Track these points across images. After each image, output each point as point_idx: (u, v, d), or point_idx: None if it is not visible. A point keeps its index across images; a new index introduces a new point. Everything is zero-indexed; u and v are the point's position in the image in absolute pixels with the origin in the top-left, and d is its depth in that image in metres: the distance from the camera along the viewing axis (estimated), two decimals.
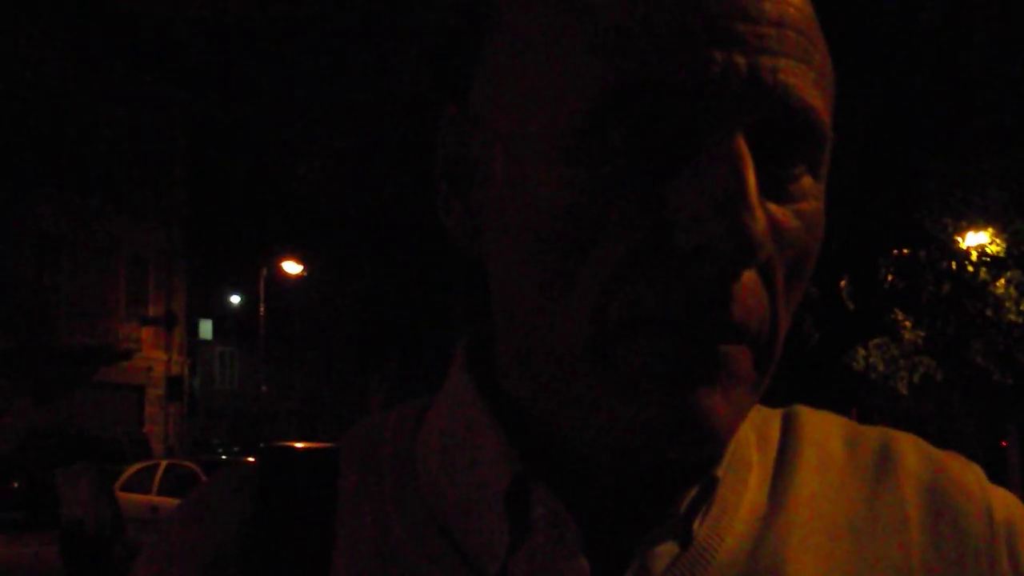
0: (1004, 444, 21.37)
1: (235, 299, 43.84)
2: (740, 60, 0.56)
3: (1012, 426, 20.95)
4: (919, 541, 0.69)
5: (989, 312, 15.71)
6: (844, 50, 13.93)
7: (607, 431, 0.60)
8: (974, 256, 15.83)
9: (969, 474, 0.74)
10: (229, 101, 31.15)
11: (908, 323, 16.41)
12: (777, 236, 0.59)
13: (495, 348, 0.71)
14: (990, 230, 15.50)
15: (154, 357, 30.85)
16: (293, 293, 37.23)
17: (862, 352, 16.44)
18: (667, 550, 0.65)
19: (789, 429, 0.75)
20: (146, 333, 30.62)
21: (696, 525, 0.66)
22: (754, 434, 0.74)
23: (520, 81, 0.62)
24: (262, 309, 29.57)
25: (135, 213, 28.92)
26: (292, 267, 30.70)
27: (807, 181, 0.61)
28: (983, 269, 15.71)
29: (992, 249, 15.65)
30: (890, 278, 16.36)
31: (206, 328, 40.78)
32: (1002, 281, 15.54)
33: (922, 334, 16.49)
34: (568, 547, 0.63)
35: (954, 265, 15.98)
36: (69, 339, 27.27)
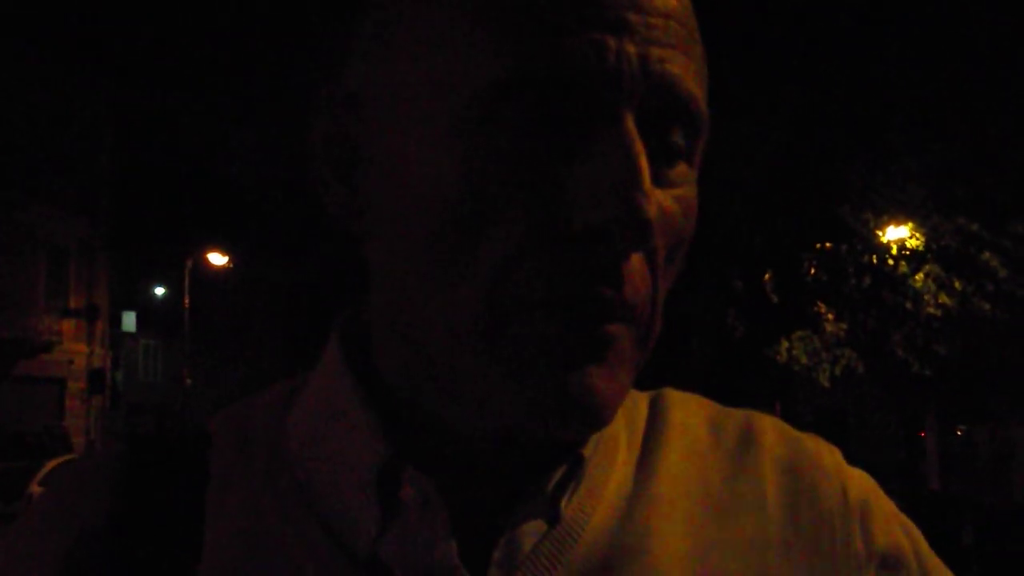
0: (923, 435, 21.77)
1: (159, 291, 43.28)
2: (631, 48, 0.58)
3: (931, 417, 21.35)
4: (777, 517, 0.71)
5: (908, 305, 16.00)
6: (767, 47, 14.10)
7: (498, 412, 0.61)
8: (894, 250, 16.11)
9: (826, 454, 0.77)
10: (154, 91, 30.74)
11: (830, 316, 16.67)
12: (662, 220, 0.60)
13: (371, 329, 0.71)
14: (910, 224, 15.78)
15: (75, 350, 30.31)
16: (218, 284, 36.86)
17: (785, 345, 16.67)
18: (535, 528, 0.66)
19: (656, 411, 0.78)
20: (67, 326, 30.08)
21: (564, 503, 0.67)
22: (623, 416, 0.76)
23: (410, 63, 0.62)
24: (187, 301, 29.21)
25: (56, 204, 28.38)
26: (217, 258, 30.40)
27: (683, 167, 0.63)
28: (903, 263, 15.99)
29: (912, 243, 15.95)
30: (813, 272, 16.60)
31: (129, 320, 40.16)
32: (921, 275, 15.82)
33: (844, 327, 16.76)
34: (437, 527, 0.64)
35: (875, 259, 16.26)
36: None
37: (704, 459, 0.74)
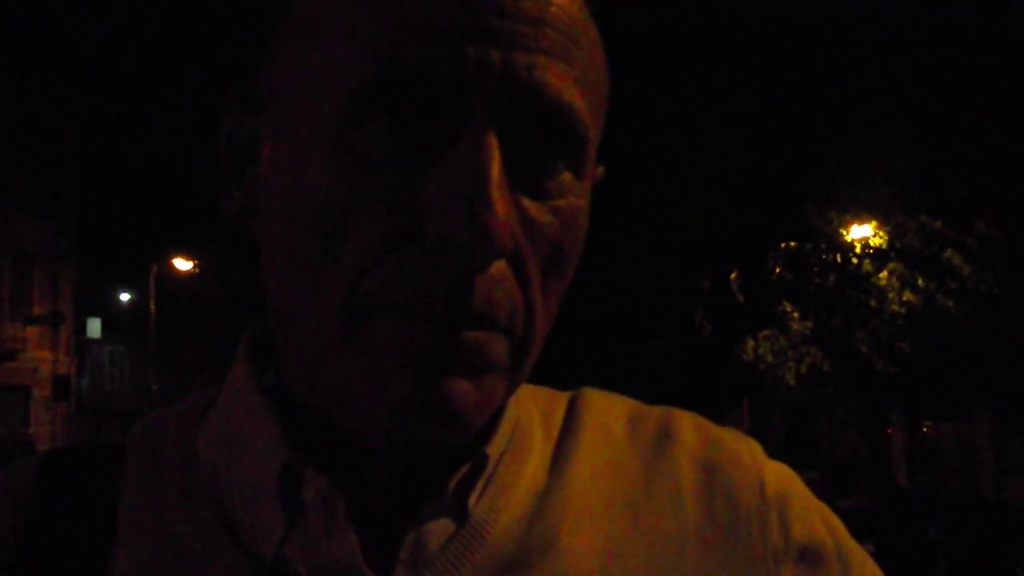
0: (890, 431, 21.93)
1: (125, 296, 42.97)
2: (495, 55, 0.57)
3: (896, 413, 21.51)
4: (693, 512, 0.71)
5: (873, 303, 16.11)
6: (731, 47, 14.17)
7: (359, 413, 0.61)
8: (858, 248, 16.21)
9: (744, 448, 0.77)
10: (119, 96, 30.51)
11: (796, 314, 16.75)
12: (529, 230, 0.60)
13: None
14: (873, 223, 15.88)
15: (40, 357, 30.06)
16: (184, 289, 36.61)
17: (751, 343, 16.74)
18: (442, 527, 0.66)
19: (573, 410, 0.78)
20: (31, 332, 29.82)
21: (472, 502, 0.67)
22: (539, 416, 0.76)
23: (296, 67, 0.63)
24: (152, 306, 29.00)
25: (21, 208, 28.12)
26: (183, 264, 30.18)
27: (566, 178, 0.62)
28: (867, 261, 16.10)
29: (875, 242, 16.05)
30: (778, 270, 16.68)
31: (94, 326, 39.88)
32: (885, 273, 15.93)
33: (809, 325, 16.84)
34: (337, 526, 0.63)
35: (839, 258, 16.35)
36: None
37: (619, 456, 0.74)
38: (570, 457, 0.73)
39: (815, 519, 0.76)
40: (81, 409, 33.82)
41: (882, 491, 8.73)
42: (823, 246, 16.40)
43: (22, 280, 29.48)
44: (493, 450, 0.69)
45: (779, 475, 0.77)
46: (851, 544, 0.78)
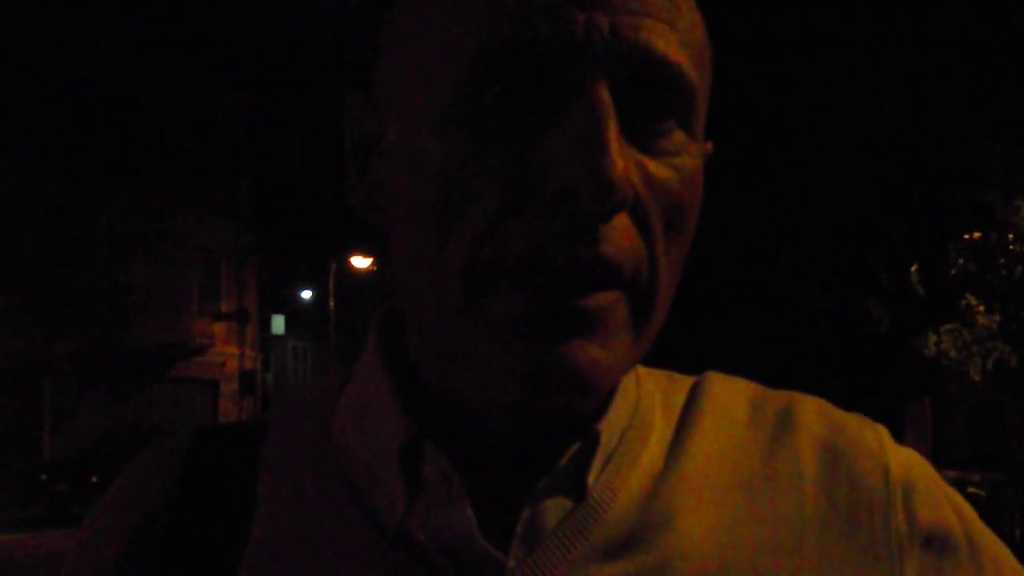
0: None
1: (306, 294, 44.16)
2: (602, 19, 0.59)
3: None
4: (813, 496, 0.71)
5: None
6: (916, 37, 13.73)
7: (484, 383, 0.62)
8: None
9: (869, 434, 0.76)
10: (292, 99, 31.41)
11: (981, 308, 16.15)
12: (648, 183, 0.62)
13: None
14: None
15: (227, 352, 31.19)
16: (362, 286, 37.43)
17: (933, 338, 16.21)
18: (559, 504, 0.67)
19: (695, 394, 0.78)
20: (219, 329, 30.96)
21: (591, 480, 0.68)
22: (660, 398, 0.77)
23: (407, 54, 0.66)
24: (332, 303, 29.76)
25: (205, 210, 29.26)
26: (361, 262, 30.85)
27: (679, 136, 0.63)
28: None
29: None
30: (961, 263, 16.12)
31: (278, 323, 41.14)
32: None
33: (996, 319, 16.22)
34: (456, 501, 0.65)
35: None
36: (143, 336, 27.66)
37: (739, 438, 0.74)
38: (690, 438, 0.73)
39: (943, 504, 0.75)
40: (266, 403, 34.93)
41: None
42: (1010, 236, 15.77)
43: (210, 279, 30.64)
44: (605, 427, 0.69)
45: (905, 460, 0.75)
46: (982, 529, 0.76)
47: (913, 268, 15.99)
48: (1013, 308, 16.09)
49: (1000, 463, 18.21)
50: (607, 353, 0.61)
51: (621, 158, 0.58)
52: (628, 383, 0.74)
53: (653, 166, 0.62)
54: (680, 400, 0.78)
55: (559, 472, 0.67)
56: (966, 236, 16.08)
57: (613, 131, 0.58)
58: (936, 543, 0.72)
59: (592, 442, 0.68)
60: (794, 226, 14.38)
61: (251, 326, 32.72)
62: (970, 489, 13.76)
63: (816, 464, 0.73)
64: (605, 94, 0.59)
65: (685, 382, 0.80)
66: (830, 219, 14.23)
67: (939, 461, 17.50)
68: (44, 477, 22.27)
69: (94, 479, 22.05)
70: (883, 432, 0.77)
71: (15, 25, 23.74)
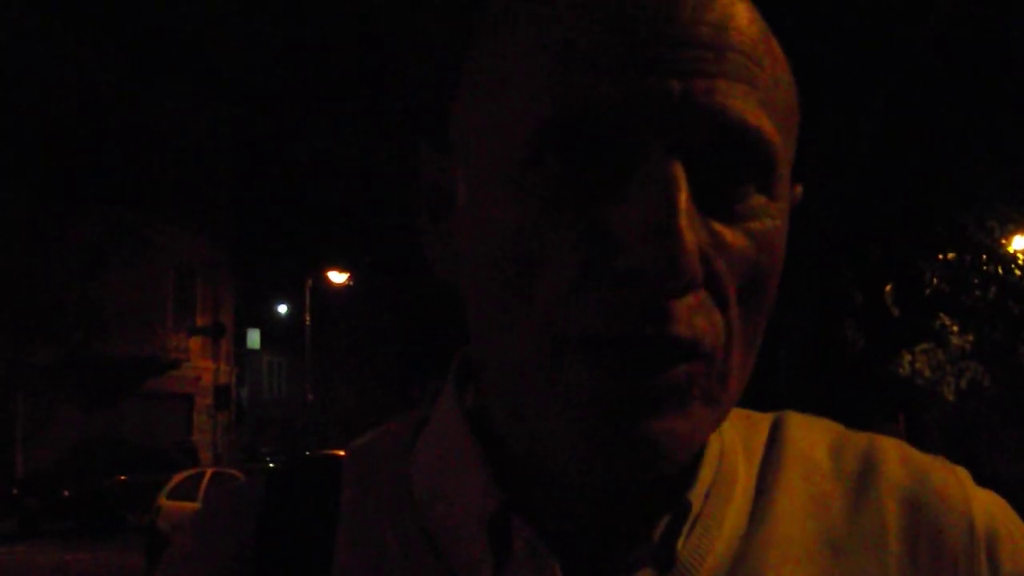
0: None
1: (282, 308, 44.05)
2: (674, 85, 0.57)
3: None
4: (897, 553, 0.69)
5: None
6: (892, 60, 13.85)
7: (561, 454, 0.60)
8: (1021, 259, 15.66)
9: (952, 482, 0.73)
10: (272, 113, 31.39)
11: (955, 328, 16.26)
12: (723, 253, 0.59)
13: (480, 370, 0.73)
14: None
15: (202, 367, 31.08)
16: (339, 302, 37.34)
17: (908, 358, 16.31)
18: (648, 574, 0.65)
19: (775, 438, 0.76)
20: (194, 343, 30.84)
21: (680, 545, 0.66)
22: (741, 444, 0.74)
23: (480, 111, 0.64)
24: (308, 318, 29.69)
25: (182, 224, 29.17)
26: (337, 276, 30.80)
27: (758, 200, 0.61)
28: None
29: None
30: (935, 283, 16.23)
31: (254, 338, 40.93)
32: None
33: (969, 339, 16.33)
34: (546, 574, 0.64)
35: (1000, 269, 15.82)
36: (118, 349, 27.51)
37: (823, 490, 0.72)
38: (772, 493, 0.71)
39: None
40: (241, 417, 34.78)
41: None
42: (983, 257, 15.90)
43: (185, 293, 30.53)
44: (696, 496, 0.67)
45: (989, 509, 0.73)
46: None
47: (888, 288, 16.08)
48: (987, 328, 16.21)
49: (974, 483, 18.26)
50: (685, 423, 0.59)
51: (692, 237, 0.56)
52: (713, 435, 0.71)
53: (729, 234, 0.60)
54: (760, 446, 0.75)
55: (650, 541, 0.66)
56: (940, 257, 16.20)
57: (683, 208, 0.56)
58: None
59: (683, 513, 0.67)
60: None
61: (226, 340, 32.59)
62: None
63: (899, 517, 0.71)
64: (676, 169, 0.57)
65: (763, 423, 0.78)
66: (806, 240, 14.31)
67: None
68: (15, 491, 22.10)
69: (65, 493, 21.89)
70: (965, 476, 0.75)
71: None
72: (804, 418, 0.79)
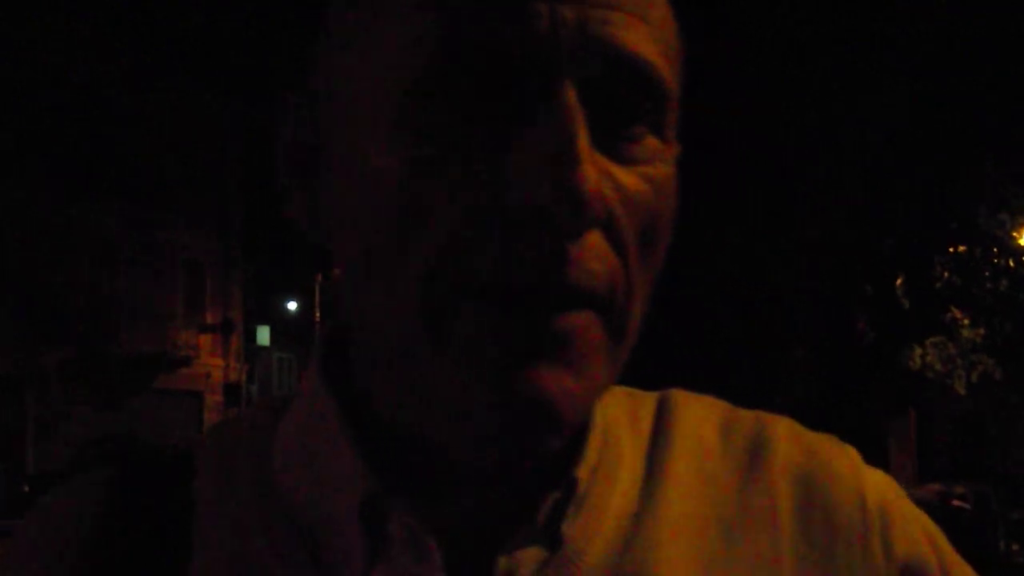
0: None
1: (292, 305, 44.08)
2: (568, 14, 0.54)
3: None
4: (790, 532, 0.67)
5: None
6: (904, 49, 13.79)
7: (450, 415, 0.56)
8: None
9: (843, 459, 0.72)
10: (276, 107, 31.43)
11: (966, 321, 16.21)
12: (621, 197, 0.56)
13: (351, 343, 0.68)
14: None
15: (212, 364, 31.10)
16: None
17: (918, 351, 16.25)
18: (534, 555, 0.62)
19: (663, 416, 0.73)
20: (204, 340, 30.86)
21: (566, 526, 0.63)
22: (627, 422, 0.72)
23: (357, 52, 0.59)
24: (317, 315, 29.70)
25: (191, 221, 29.20)
26: None
27: (652, 142, 0.58)
28: None
29: None
30: (946, 276, 16.17)
31: (263, 334, 40.98)
32: None
33: (980, 332, 16.28)
34: (427, 562, 0.60)
35: (1011, 262, 15.76)
36: (128, 346, 27.56)
37: (713, 469, 0.70)
38: (662, 471, 0.69)
39: (918, 533, 0.71)
40: None
41: None
42: (994, 250, 15.84)
43: (195, 290, 30.56)
44: (584, 471, 0.64)
45: (880, 487, 0.72)
46: (955, 558, 0.72)
47: (898, 281, 16.04)
48: (997, 321, 16.15)
49: (983, 474, 18.27)
50: (581, 382, 0.56)
51: (594, 171, 0.53)
52: (595, 412, 0.68)
53: (625, 177, 0.57)
54: (647, 424, 0.73)
55: (535, 521, 0.63)
56: (951, 249, 16.14)
57: (584, 142, 0.53)
58: (912, 574, 0.69)
59: (569, 491, 0.64)
60: (783, 239, 14.40)
61: (236, 337, 32.63)
62: (955, 502, 13.77)
63: (791, 496, 0.69)
64: (573, 99, 0.54)
65: (648, 401, 0.75)
66: (818, 232, 14.27)
67: (923, 474, 17.54)
68: (26, 488, 22.16)
69: None
70: (855, 455, 0.74)
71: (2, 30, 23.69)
72: (691, 396, 0.76)
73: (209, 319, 31.23)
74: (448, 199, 0.54)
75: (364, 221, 0.58)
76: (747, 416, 0.74)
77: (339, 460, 0.64)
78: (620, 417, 0.72)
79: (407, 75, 0.55)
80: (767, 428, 0.73)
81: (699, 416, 0.74)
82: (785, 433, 0.73)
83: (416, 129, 0.55)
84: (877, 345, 15.66)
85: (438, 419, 0.58)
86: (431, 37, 0.54)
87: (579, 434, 0.65)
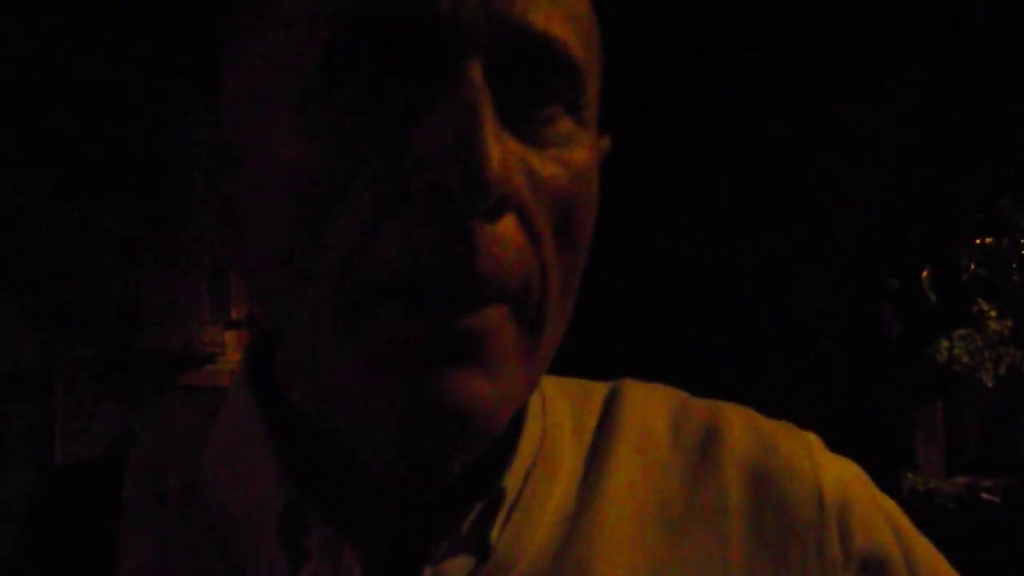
0: None
1: None
2: None
3: None
4: (740, 529, 0.64)
5: None
6: (928, 43, 13.69)
7: (360, 425, 0.53)
8: None
9: (800, 450, 0.69)
10: None
11: (993, 313, 16.10)
12: (533, 181, 0.54)
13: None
14: None
15: (237, 360, 31.17)
16: None
17: (945, 344, 16.15)
18: (461, 564, 0.59)
19: (609, 410, 0.70)
20: (229, 336, 30.92)
21: (494, 536, 0.60)
22: (570, 420, 0.69)
23: (256, 44, 0.57)
24: None
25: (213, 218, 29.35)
26: None
27: (567, 124, 0.56)
28: None
29: None
30: (972, 268, 16.06)
31: None
32: None
33: (1008, 324, 16.16)
34: (346, 572, 0.58)
35: None
36: (154, 343, 27.71)
37: (660, 463, 0.67)
38: (604, 467, 0.65)
39: (880, 525, 0.68)
40: None
41: None
42: (1021, 241, 15.73)
43: (219, 287, 30.69)
44: (512, 479, 0.61)
45: (840, 477, 0.68)
46: (921, 548, 0.70)
47: (924, 273, 15.94)
48: None
49: (1013, 468, 18.13)
50: (496, 385, 0.52)
51: (499, 150, 0.49)
52: (535, 411, 0.65)
53: (538, 161, 0.54)
54: (592, 417, 0.69)
55: (460, 530, 0.59)
56: (978, 241, 16.02)
57: (488, 120, 0.50)
58: (873, 568, 0.66)
59: (496, 500, 0.60)
60: (811, 234, 14.34)
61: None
62: (983, 495, 13.69)
63: (742, 491, 0.66)
64: (478, 77, 0.51)
65: (598, 393, 0.71)
66: (848, 227, 14.23)
67: (951, 467, 17.40)
68: None
69: None
70: (815, 443, 0.70)
71: (21, 28, 23.83)
72: (643, 386, 0.73)
73: (234, 315, 31.33)
74: (357, 191, 0.51)
75: (273, 222, 0.54)
76: (701, 406, 0.71)
77: (258, 467, 0.61)
78: (563, 414, 0.68)
79: (305, 64, 0.52)
80: (721, 418, 0.70)
81: (649, 407, 0.70)
82: (741, 423, 0.70)
83: (319, 120, 0.52)
84: (903, 338, 15.56)
85: (350, 427, 0.55)
86: (326, 21, 0.52)
87: (511, 437, 0.62)
